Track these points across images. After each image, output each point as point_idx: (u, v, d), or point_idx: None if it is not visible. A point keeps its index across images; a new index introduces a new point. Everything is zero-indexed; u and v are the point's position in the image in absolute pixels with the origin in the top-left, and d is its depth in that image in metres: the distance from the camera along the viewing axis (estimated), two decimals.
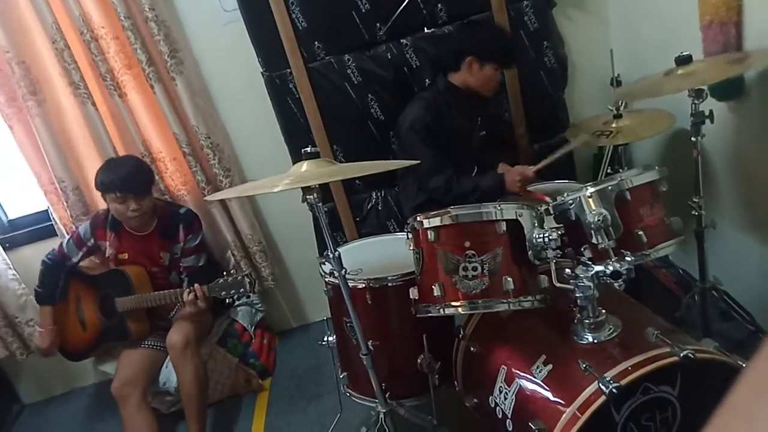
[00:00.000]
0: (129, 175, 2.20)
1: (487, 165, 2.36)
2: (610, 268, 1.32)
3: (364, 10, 2.41)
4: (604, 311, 1.40)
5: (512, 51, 2.25)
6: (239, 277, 2.11)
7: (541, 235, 1.42)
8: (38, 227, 2.88)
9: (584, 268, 1.36)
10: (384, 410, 1.72)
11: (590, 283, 1.34)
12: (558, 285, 1.42)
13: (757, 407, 0.30)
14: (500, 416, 1.48)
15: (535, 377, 1.40)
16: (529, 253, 1.44)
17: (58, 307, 2.46)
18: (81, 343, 2.49)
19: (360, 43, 2.46)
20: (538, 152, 2.68)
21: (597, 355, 1.33)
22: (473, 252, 1.42)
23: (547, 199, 1.91)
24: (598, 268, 1.34)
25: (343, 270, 1.54)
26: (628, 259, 1.36)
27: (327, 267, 1.78)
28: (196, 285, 2.17)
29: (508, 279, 1.40)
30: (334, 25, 2.42)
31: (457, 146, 2.26)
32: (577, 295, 1.37)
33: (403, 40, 2.46)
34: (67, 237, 2.48)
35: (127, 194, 2.20)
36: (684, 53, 1.75)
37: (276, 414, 2.55)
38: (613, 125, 2.05)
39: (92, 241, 2.40)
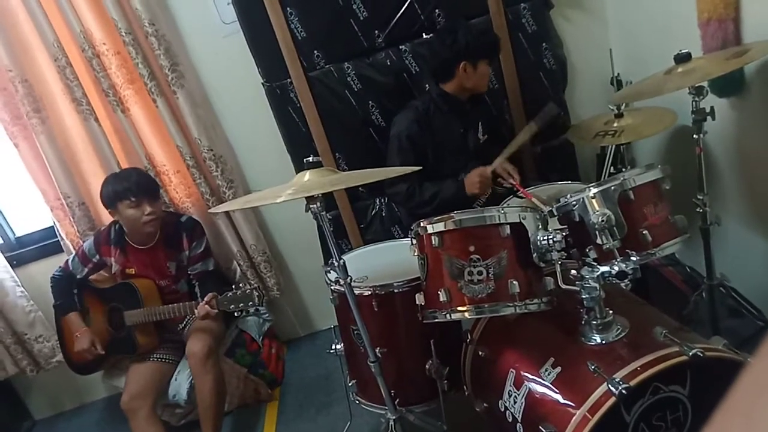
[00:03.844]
0: (139, 179, 2.27)
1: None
2: (616, 268, 1.32)
3: (362, 18, 2.43)
4: (611, 312, 1.39)
5: (497, 41, 2.25)
6: (248, 290, 2.12)
7: (546, 237, 1.41)
8: (45, 244, 2.90)
9: (590, 269, 1.36)
10: (394, 417, 1.72)
11: (596, 284, 1.34)
12: (564, 287, 1.41)
13: (757, 407, 0.30)
14: (510, 420, 1.47)
15: (544, 380, 1.40)
16: (534, 255, 1.44)
17: (67, 319, 2.47)
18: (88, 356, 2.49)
19: (359, 50, 2.47)
20: (540, 153, 2.68)
21: (605, 356, 1.33)
22: (478, 256, 1.42)
23: (534, 200, 1.92)
24: (604, 268, 1.34)
25: (349, 278, 1.54)
26: (633, 258, 1.35)
27: (332, 275, 1.79)
28: (208, 295, 2.18)
29: (514, 282, 1.40)
30: (332, 33, 2.44)
31: (450, 152, 2.28)
32: (584, 296, 1.36)
33: (402, 47, 2.47)
34: (73, 254, 2.50)
35: (141, 198, 2.24)
36: (683, 51, 1.75)
37: (286, 423, 2.55)
38: (615, 124, 2.04)
39: (97, 257, 2.42)
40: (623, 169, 2.34)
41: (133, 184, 2.24)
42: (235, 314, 2.16)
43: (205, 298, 2.15)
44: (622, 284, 1.33)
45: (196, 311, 2.19)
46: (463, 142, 2.32)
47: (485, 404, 1.64)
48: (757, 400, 0.30)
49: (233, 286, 2.17)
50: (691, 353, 1.19)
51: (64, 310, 2.42)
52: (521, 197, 2.14)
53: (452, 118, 2.28)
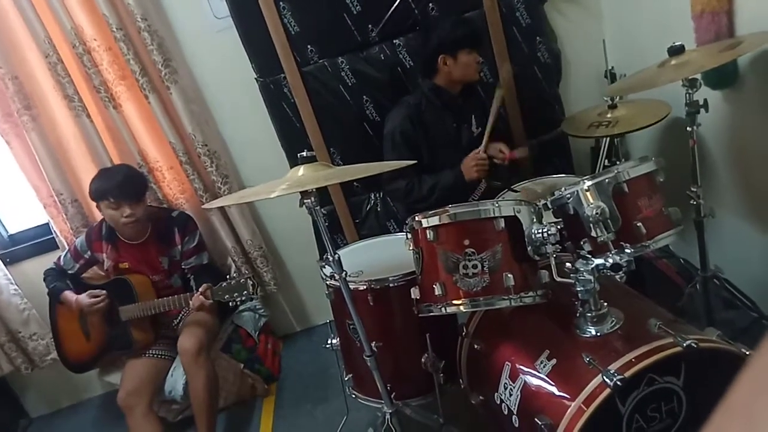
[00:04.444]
0: (123, 181, 2.23)
1: None
2: (610, 260, 1.32)
3: (355, 12, 2.42)
4: (605, 304, 1.40)
5: (475, 28, 2.23)
6: (242, 281, 2.12)
7: (540, 231, 1.42)
8: (39, 241, 2.88)
9: (584, 261, 1.36)
10: (390, 411, 1.73)
11: (591, 277, 1.34)
12: (559, 279, 1.42)
13: (757, 406, 0.29)
14: (506, 412, 1.48)
15: (539, 372, 1.40)
16: (529, 248, 1.44)
17: (62, 316, 2.47)
18: (85, 354, 2.49)
19: (353, 45, 2.46)
20: (535, 146, 2.68)
21: (600, 348, 1.33)
22: (473, 250, 1.42)
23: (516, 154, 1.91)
24: (598, 261, 1.34)
25: (344, 272, 1.54)
26: (627, 251, 1.36)
27: (328, 270, 1.78)
28: (203, 286, 2.18)
29: (509, 275, 1.41)
30: (326, 28, 2.43)
31: (443, 147, 2.28)
32: (578, 288, 1.37)
33: (396, 41, 2.46)
34: (66, 250, 2.49)
35: (121, 200, 2.21)
36: (677, 43, 1.75)
37: (283, 418, 2.55)
38: (609, 115, 2.05)
39: (89, 253, 2.42)
40: (617, 162, 2.34)
41: (115, 186, 2.20)
42: (230, 304, 2.16)
43: (200, 289, 2.15)
44: (617, 276, 1.33)
45: (191, 303, 2.19)
46: (457, 136, 2.32)
47: (481, 397, 1.65)
48: (757, 400, 0.30)
49: (227, 277, 2.17)
50: (685, 344, 1.20)
51: (58, 292, 2.39)
52: (517, 191, 2.15)
53: (445, 112, 2.28)
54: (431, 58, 2.19)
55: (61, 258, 2.46)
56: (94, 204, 2.37)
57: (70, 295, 2.37)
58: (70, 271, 2.44)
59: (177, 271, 2.45)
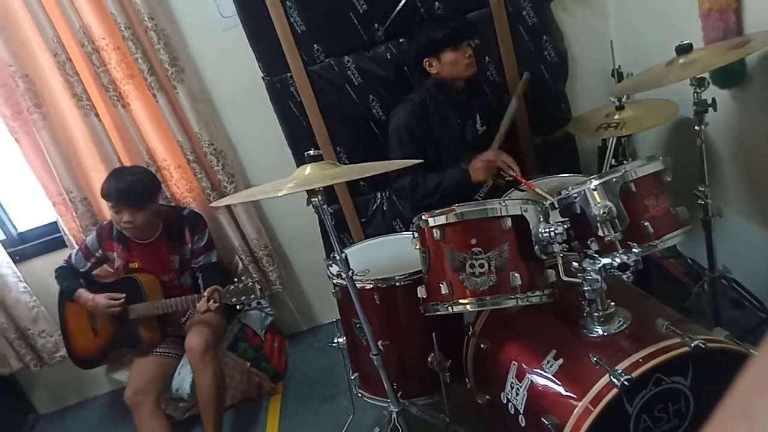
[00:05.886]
0: (128, 186, 2.20)
1: None
2: (618, 260, 1.32)
3: (361, 11, 2.41)
4: (613, 304, 1.39)
5: (456, 26, 2.18)
6: (250, 284, 2.13)
7: (547, 230, 1.42)
8: (48, 239, 2.90)
9: (591, 261, 1.36)
10: (396, 410, 1.73)
11: (598, 276, 1.34)
12: (566, 279, 1.41)
13: (757, 406, 0.30)
14: (513, 412, 1.48)
15: (546, 372, 1.40)
16: (536, 248, 1.44)
17: (71, 312, 2.49)
18: (92, 350, 2.51)
19: (359, 43, 2.46)
20: (541, 146, 2.68)
21: (607, 347, 1.33)
22: (479, 249, 1.42)
23: (538, 190, 1.92)
24: (606, 260, 1.34)
25: (351, 271, 1.54)
26: (635, 250, 1.35)
27: (334, 269, 1.79)
28: (209, 289, 2.19)
29: (516, 275, 1.41)
30: (332, 26, 2.43)
31: (447, 144, 2.28)
32: (586, 288, 1.37)
33: (402, 39, 2.45)
34: (76, 248, 2.51)
35: (121, 206, 2.22)
36: (684, 42, 1.74)
37: (289, 417, 2.56)
38: (617, 117, 2.04)
39: (100, 252, 2.43)
40: (624, 162, 2.34)
41: (115, 191, 2.18)
42: (237, 308, 2.17)
43: (206, 293, 2.16)
44: (624, 276, 1.33)
45: (198, 305, 2.20)
46: (461, 132, 2.32)
47: (487, 396, 1.65)
48: (757, 399, 0.30)
49: (235, 279, 2.18)
50: (693, 345, 1.20)
51: (72, 291, 2.40)
52: (523, 190, 2.14)
53: (449, 108, 2.28)
54: (416, 63, 2.22)
55: (72, 256, 2.47)
56: (104, 203, 2.38)
57: (85, 294, 2.37)
58: (81, 270, 2.46)
59: (187, 269, 2.46)
